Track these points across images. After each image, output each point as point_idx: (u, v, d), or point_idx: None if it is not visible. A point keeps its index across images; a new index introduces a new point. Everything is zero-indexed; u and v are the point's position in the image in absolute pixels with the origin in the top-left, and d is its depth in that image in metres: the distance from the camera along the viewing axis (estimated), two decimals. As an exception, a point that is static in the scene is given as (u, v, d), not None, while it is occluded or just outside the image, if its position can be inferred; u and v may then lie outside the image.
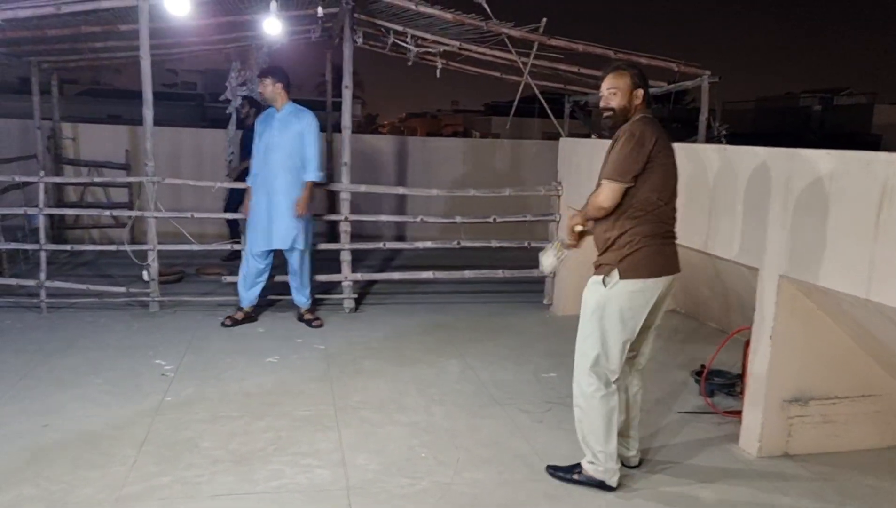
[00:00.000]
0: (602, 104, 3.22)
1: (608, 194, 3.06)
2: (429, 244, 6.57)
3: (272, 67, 5.66)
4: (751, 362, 3.76)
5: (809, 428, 3.68)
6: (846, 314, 3.44)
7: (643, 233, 3.06)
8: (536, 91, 7.14)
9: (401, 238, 9.43)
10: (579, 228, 3.27)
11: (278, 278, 5.86)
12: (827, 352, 3.67)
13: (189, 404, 4.08)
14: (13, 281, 5.90)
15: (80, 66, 8.44)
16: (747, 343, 3.90)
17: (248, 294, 5.63)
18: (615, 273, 3.07)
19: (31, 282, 5.77)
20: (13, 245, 6.07)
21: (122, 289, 5.84)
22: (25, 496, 3.02)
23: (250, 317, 5.69)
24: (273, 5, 5.83)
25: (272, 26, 6.53)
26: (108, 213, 6.40)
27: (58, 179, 7.04)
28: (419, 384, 4.55)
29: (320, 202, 9.10)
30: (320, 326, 5.66)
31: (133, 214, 6.23)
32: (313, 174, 5.44)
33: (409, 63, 7.67)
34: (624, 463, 3.39)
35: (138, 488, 3.13)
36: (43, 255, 5.74)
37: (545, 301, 6.62)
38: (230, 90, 8.76)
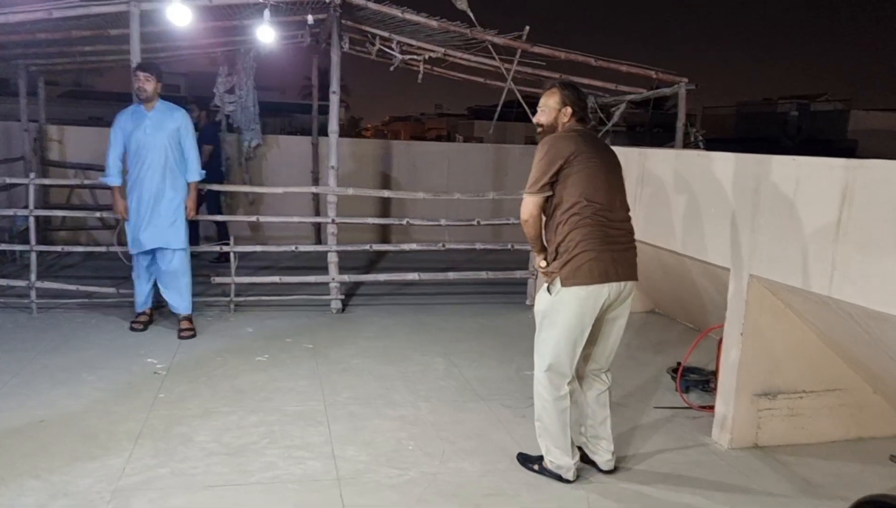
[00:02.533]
0: (534, 120, 3.42)
1: (523, 206, 3.25)
2: (414, 247, 6.73)
3: (152, 63, 5.38)
4: (722, 358, 3.95)
5: (778, 421, 3.87)
6: (812, 312, 3.64)
7: (580, 239, 3.14)
8: (519, 97, 7.31)
9: (385, 241, 9.57)
10: (542, 264, 3.32)
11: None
12: (794, 348, 3.86)
13: (182, 400, 4.19)
14: (3, 282, 5.96)
15: (66, 69, 8.48)
16: (720, 341, 4.08)
17: (145, 296, 5.51)
18: (557, 281, 3.19)
19: (21, 283, 5.85)
20: (2, 246, 6.13)
21: (112, 290, 5.93)
22: (27, 487, 3.13)
23: (151, 320, 5.56)
24: (266, 14, 5.95)
25: (265, 34, 6.65)
26: (96, 215, 6.45)
27: (47, 181, 7.09)
28: (406, 380, 4.70)
29: (306, 205, 9.24)
30: (192, 337, 5.34)
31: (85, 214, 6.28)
32: (196, 174, 5.35)
33: (392, 69, 7.82)
34: (597, 468, 3.50)
35: (136, 479, 3.25)
36: (33, 256, 5.82)
37: (527, 302, 6.79)
38: (218, 96, 8.86)
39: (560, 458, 3.37)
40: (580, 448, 3.52)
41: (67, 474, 3.26)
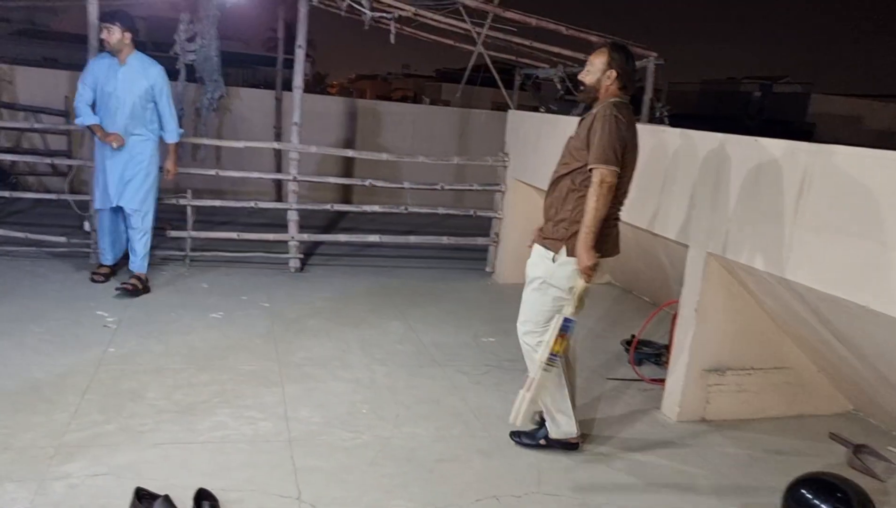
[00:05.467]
0: (578, 77, 3.34)
1: (605, 179, 3.02)
2: (376, 208, 6.65)
3: (119, 13, 5.03)
4: (676, 333, 4.01)
5: (725, 396, 3.97)
6: (765, 291, 3.71)
7: None
8: (488, 61, 7.23)
9: (347, 202, 9.45)
10: (594, 259, 3.09)
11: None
12: (745, 326, 3.95)
13: (132, 356, 4.11)
14: (-54, 226, 5.74)
15: (18, 4, 8.09)
16: (675, 316, 4.15)
17: (108, 251, 5.36)
18: (563, 250, 3.19)
19: (-34, 228, 5.63)
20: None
21: (63, 239, 5.75)
22: (-34, 439, 3.04)
23: (113, 274, 5.41)
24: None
25: None
26: (47, 161, 6.22)
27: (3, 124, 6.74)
28: (362, 343, 4.68)
29: (268, 162, 9.05)
30: (135, 293, 5.10)
31: (75, 162, 6.09)
32: (174, 135, 5.19)
33: (366, 27, 7.64)
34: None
35: (82, 435, 3.18)
36: (-22, 200, 5.60)
37: (487, 269, 6.80)
38: (178, 44, 8.54)
39: (565, 424, 3.41)
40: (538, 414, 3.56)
41: (9, 427, 3.17)
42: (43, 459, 2.95)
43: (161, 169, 5.30)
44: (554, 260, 3.22)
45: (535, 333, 3.33)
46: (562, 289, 3.22)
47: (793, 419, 4.08)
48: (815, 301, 3.29)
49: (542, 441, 3.49)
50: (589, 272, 3.10)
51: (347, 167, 9.75)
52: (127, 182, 5.07)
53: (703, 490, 3.28)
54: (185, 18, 8.53)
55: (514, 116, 6.57)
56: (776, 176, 3.33)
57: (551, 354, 3.17)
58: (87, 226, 5.69)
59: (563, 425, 3.42)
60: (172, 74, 8.58)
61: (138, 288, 5.15)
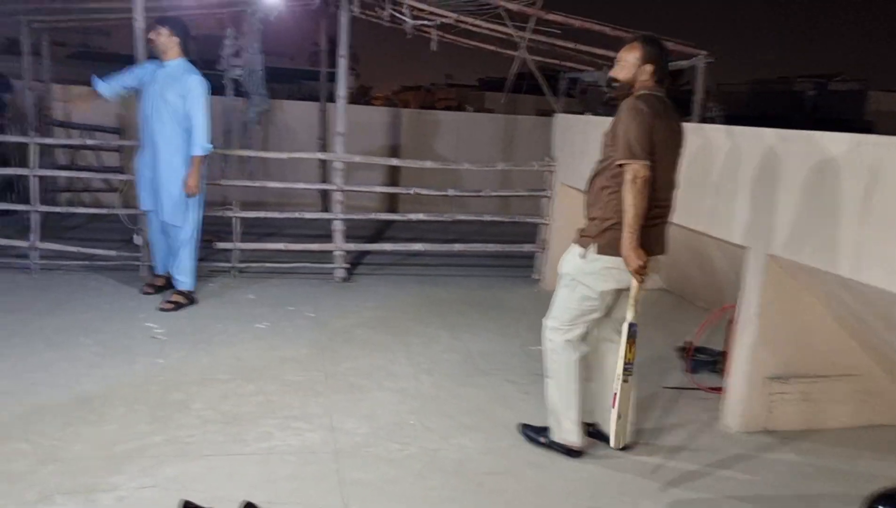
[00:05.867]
0: (610, 73, 3.24)
1: (636, 174, 2.91)
2: (421, 217, 6.60)
3: (171, 18, 5.17)
4: (735, 339, 3.83)
5: (790, 405, 3.77)
6: (831, 294, 3.51)
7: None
8: (532, 66, 7.13)
9: (392, 211, 9.44)
10: (643, 257, 3.00)
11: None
12: (809, 331, 3.74)
13: (180, 367, 4.11)
14: (4, 242, 5.87)
15: (71, 27, 8.31)
16: (731, 321, 3.96)
17: (158, 258, 5.36)
18: (593, 247, 3.11)
19: (22, 243, 5.75)
20: (4, 206, 6.04)
21: (113, 253, 5.84)
22: (18, 451, 3.06)
23: (167, 286, 5.34)
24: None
25: None
26: (99, 176, 6.34)
27: (49, 141, 6.91)
28: (408, 353, 4.60)
29: (313, 173, 9.10)
30: (175, 309, 5.06)
31: (126, 177, 6.20)
32: (199, 147, 4.94)
33: (408, 36, 7.62)
34: (607, 442, 3.34)
35: (130, 446, 3.17)
36: (35, 216, 5.72)
37: (534, 276, 6.67)
38: (224, 59, 8.67)
39: (570, 431, 3.29)
40: (590, 424, 3.43)
41: (59, 439, 3.19)
42: (92, 471, 2.95)
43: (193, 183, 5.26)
44: (583, 256, 3.14)
45: (558, 330, 3.25)
46: (590, 288, 3.14)
47: (862, 430, 3.85)
48: (887, 304, 3.09)
49: (542, 440, 3.39)
50: (640, 272, 2.98)
51: (393, 177, 9.75)
52: (164, 192, 5.00)
53: (767, 503, 3.10)
54: (231, 34, 8.67)
55: (562, 120, 6.45)
56: (841, 172, 3.14)
57: (626, 363, 3.09)
58: (136, 240, 5.77)
59: (566, 431, 3.31)
60: (219, 90, 8.75)
61: (181, 304, 5.14)
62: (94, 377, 3.88)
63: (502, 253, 6.72)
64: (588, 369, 3.37)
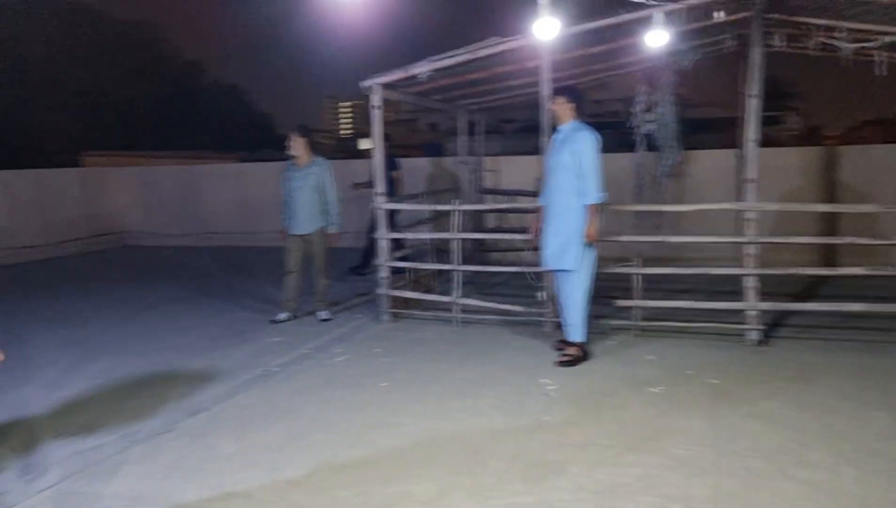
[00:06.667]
0: None
1: None
2: (857, 271, 5.52)
3: (565, 87, 5.46)
4: None
5: None
6: None
7: None
8: None
9: (830, 264, 8.15)
10: None
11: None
12: None
13: (564, 427, 4.07)
14: (434, 297, 6.70)
15: (501, 104, 9.28)
16: None
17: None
18: None
19: (447, 299, 6.49)
20: (435, 266, 6.92)
21: (520, 308, 6.19)
22: (405, 492, 3.33)
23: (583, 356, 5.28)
24: (660, 17, 5.57)
25: (657, 39, 6.22)
26: (516, 236, 6.82)
27: (467, 207, 7.51)
28: (828, 436, 3.80)
29: (728, 224, 8.43)
30: (570, 364, 5.12)
31: (530, 237, 6.50)
32: (592, 196, 5.03)
33: (848, 63, 6.62)
34: None
35: (501, 503, 3.20)
36: (457, 275, 6.42)
37: None
38: (636, 116, 8.71)
39: None
40: None
41: (439, 487, 3.37)
42: (462, 522, 3.04)
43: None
44: None
45: None
46: None
47: None
48: None
49: None
50: None
51: (830, 224, 8.47)
52: (557, 240, 5.17)
53: None
54: (642, 90, 8.69)
55: None
56: None
57: None
58: (539, 296, 6.02)
59: None
60: (629, 146, 8.80)
61: (575, 359, 5.17)
62: (485, 429, 4.06)
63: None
64: None
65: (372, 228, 9.00)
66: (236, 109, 46.38)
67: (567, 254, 5.14)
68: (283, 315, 6.73)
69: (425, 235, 7.27)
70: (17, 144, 32.46)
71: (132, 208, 13.49)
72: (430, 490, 3.34)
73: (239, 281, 8.98)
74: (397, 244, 7.47)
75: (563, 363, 5.14)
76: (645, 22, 5.83)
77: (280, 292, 6.80)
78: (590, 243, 5.12)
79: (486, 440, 3.89)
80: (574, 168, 5.09)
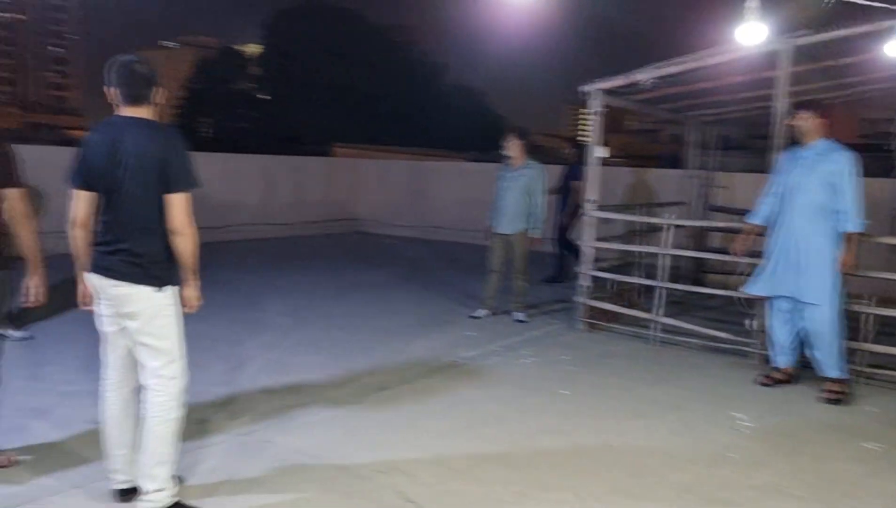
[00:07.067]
0: None
1: None
2: None
3: (814, 101, 5.09)
4: None
5: None
6: None
7: None
8: None
9: None
10: None
11: None
12: None
13: (750, 466, 3.74)
14: (633, 313, 6.46)
15: (735, 117, 8.67)
16: None
17: (776, 350, 5.11)
18: None
19: (647, 316, 6.23)
20: (637, 280, 6.66)
21: (726, 335, 5.77)
22: (562, 501, 3.28)
23: (790, 380, 5.07)
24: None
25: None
26: (742, 260, 6.27)
27: (678, 222, 7.05)
28: None
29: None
30: (836, 402, 4.72)
31: (749, 260, 6.01)
32: (852, 223, 4.66)
33: None
34: None
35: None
36: (660, 291, 6.14)
37: None
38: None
39: None
40: None
41: (604, 502, 3.29)
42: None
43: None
44: None
45: None
46: None
47: None
48: None
49: None
50: None
51: None
52: (805, 271, 4.78)
53: None
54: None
55: None
56: None
57: None
58: (748, 325, 5.56)
59: None
60: (886, 172, 7.80)
61: (843, 393, 4.79)
62: (660, 453, 3.86)
63: None
64: None
65: (561, 236, 8.92)
66: (474, 110, 48.13)
67: (813, 284, 4.77)
68: (481, 312, 6.92)
69: (631, 246, 7.01)
70: (282, 136, 36.83)
71: (367, 197, 14.64)
72: (589, 505, 3.27)
73: (450, 274, 9.37)
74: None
75: (829, 401, 4.76)
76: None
77: (482, 289, 7.00)
78: (841, 274, 4.72)
79: (658, 466, 3.70)
80: (826, 190, 4.72)
